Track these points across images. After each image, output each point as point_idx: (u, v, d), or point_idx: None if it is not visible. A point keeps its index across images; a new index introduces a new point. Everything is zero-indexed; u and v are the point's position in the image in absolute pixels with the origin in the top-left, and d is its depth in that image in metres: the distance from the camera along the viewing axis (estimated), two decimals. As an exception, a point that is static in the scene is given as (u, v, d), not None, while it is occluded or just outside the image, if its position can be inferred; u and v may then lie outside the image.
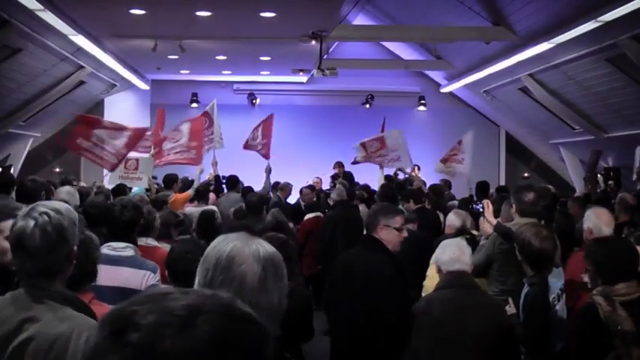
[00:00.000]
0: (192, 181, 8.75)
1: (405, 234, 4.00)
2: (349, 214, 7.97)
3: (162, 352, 0.81)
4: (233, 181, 9.15)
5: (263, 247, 1.70)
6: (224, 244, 1.66)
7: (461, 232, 5.26)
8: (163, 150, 8.97)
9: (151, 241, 4.47)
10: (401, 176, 11.11)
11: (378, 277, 3.84)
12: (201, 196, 8.13)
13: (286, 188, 9.97)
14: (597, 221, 4.29)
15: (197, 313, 0.85)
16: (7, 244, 2.38)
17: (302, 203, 9.61)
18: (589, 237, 4.26)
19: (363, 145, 10.44)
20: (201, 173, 8.79)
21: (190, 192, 8.22)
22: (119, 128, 8.57)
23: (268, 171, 9.64)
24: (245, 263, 1.62)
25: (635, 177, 9.46)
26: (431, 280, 4.90)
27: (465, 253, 3.67)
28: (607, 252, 3.24)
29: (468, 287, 3.64)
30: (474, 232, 5.62)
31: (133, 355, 0.81)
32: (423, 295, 4.93)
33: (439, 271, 3.71)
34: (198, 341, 0.83)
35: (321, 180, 11.97)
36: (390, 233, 3.91)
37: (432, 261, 5.02)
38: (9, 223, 2.46)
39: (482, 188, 9.50)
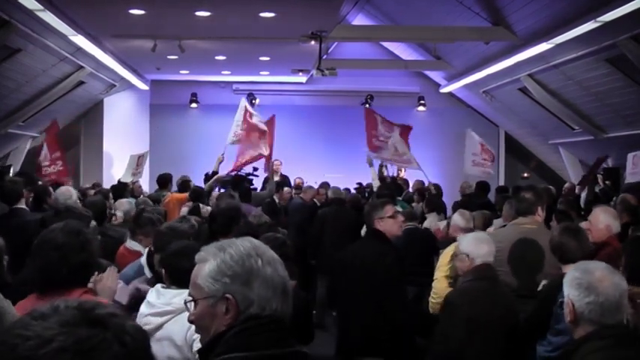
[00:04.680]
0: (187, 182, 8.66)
1: (400, 218, 4.51)
2: (340, 211, 8.14)
3: None
4: (237, 181, 9.00)
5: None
6: (242, 242, 1.76)
7: (466, 232, 5.26)
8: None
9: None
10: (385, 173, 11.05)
11: (379, 265, 4.19)
12: (197, 196, 7.89)
13: (309, 191, 9.95)
14: (614, 220, 4.47)
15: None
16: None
17: (317, 202, 9.65)
18: (603, 236, 4.40)
19: None
20: (221, 163, 8.71)
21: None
22: (42, 143, 8.90)
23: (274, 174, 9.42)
24: (267, 250, 1.77)
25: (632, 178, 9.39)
26: (440, 282, 4.93)
27: (494, 246, 3.98)
28: None
29: (494, 278, 3.95)
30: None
31: None
32: (434, 297, 4.95)
33: (471, 263, 3.88)
34: None
35: (302, 180, 11.95)
36: (386, 223, 4.34)
37: (439, 263, 5.06)
38: None
39: (483, 188, 9.51)
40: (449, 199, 10.41)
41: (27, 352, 0.92)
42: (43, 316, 0.98)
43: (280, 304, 1.69)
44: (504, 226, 5.39)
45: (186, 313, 3.01)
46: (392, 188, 8.85)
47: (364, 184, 11.41)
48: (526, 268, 4.51)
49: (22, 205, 5.31)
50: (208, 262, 1.69)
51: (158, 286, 3.23)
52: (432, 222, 7.43)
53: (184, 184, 8.80)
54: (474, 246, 3.89)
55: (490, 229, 5.67)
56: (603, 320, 2.32)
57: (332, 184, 10.08)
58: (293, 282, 3.91)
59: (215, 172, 8.80)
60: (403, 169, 12.32)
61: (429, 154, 13.37)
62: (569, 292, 2.40)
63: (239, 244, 1.73)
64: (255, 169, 10.37)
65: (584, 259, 3.74)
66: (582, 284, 2.36)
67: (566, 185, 10.32)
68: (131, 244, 4.42)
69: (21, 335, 0.94)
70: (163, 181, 8.91)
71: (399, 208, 7.80)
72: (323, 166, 14.02)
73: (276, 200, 9.30)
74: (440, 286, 4.95)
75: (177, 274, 3.17)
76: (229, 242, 1.74)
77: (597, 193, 9.65)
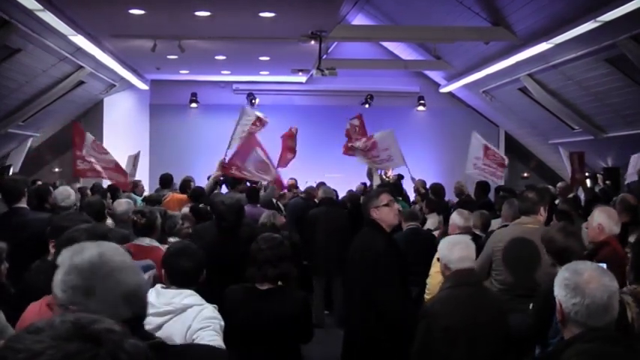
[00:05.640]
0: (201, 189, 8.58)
1: (396, 205, 4.42)
2: (332, 211, 8.16)
3: None
4: (235, 181, 8.93)
5: (112, 244, 1.81)
6: (88, 251, 1.71)
7: (465, 232, 5.27)
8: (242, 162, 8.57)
9: (150, 241, 4.47)
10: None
11: (368, 253, 4.16)
12: (197, 196, 7.87)
13: (312, 192, 9.91)
14: (609, 220, 4.36)
15: None
16: None
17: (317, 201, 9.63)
18: (598, 235, 4.32)
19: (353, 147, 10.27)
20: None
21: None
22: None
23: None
24: (115, 257, 1.71)
25: (632, 178, 9.35)
26: (434, 278, 4.95)
27: (472, 250, 3.71)
28: None
29: (476, 284, 3.71)
30: (477, 232, 5.63)
31: None
32: (427, 293, 4.98)
33: (446, 268, 3.69)
34: None
35: (296, 181, 11.93)
36: (382, 211, 4.29)
37: (435, 259, 5.07)
38: None
39: (483, 188, 9.50)
40: (448, 199, 10.42)
41: None
42: (37, 330, 0.97)
43: (129, 309, 1.66)
44: (505, 225, 5.40)
45: (186, 313, 3.00)
46: (390, 187, 8.84)
47: (368, 184, 11.37)
48: (525, 268, 4.51)
49: (24, 204, 5.29)
50: (60, 269, 1.68)
51: (158, 286, 3.23)
52: (432, 223, 7.42)
53: (185, 185, 8.77)
54: (447, 250, 3.68)
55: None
56: (590, 322, 2.28)
57: (332, 185, 10.05)
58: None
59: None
60: (390, 169, 12.34)
61: (429, 154, 13.38)
62: (558, 292, 2.37)
63: (85, 254, 1.69)
64: None
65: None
66: (569, 285, 2.32)
67: (560, 184, 10.28)
68: (143, 240, 4.44)
69: (13, 348, 0.94)
70: (165, 180, 8.90)
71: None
72: (323, 166, 14.01)
73: (274, 200, 9.28)
74: (433, 282, 4.97)
75: (176, 274, 3.17)
76: (80, 249, 1.72)
77: (597, 193, 9.65)
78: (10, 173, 11.10)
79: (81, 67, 10.71)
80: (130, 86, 13.78)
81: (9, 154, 12.10)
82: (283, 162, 10.10)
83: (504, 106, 13.71)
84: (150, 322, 3.03)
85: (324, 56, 10.39)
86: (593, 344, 2.24)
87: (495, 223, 6.23)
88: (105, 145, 13.59)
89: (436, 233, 6.89)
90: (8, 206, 5.23)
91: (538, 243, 4.43)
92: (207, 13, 8.03)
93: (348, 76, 13.68)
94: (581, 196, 9.89)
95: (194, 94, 15.24)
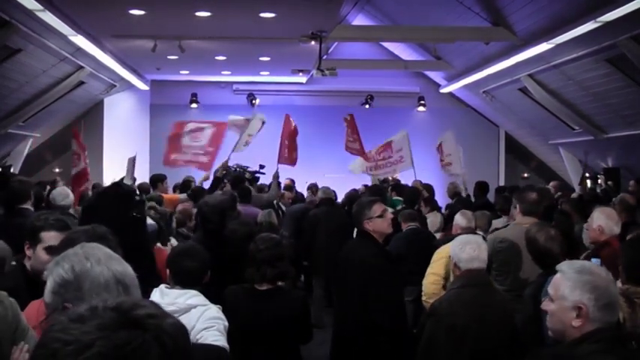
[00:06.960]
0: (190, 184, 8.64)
1: (390, 215, 4.35)
2: (331, 212, 8.20)
3: None
4: (238, 179, 8.91)
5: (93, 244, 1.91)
6: (72, 252, 1.82)
7: (468, 232, 5.26)
8: (182, 145, 8.68)
9: None
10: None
11: (364, 267, 4.14)
12: (196, 196, 7.85)
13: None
14: (608, 220, 4.34)
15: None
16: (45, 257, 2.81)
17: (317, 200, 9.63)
18: (599, 236, 4.32)
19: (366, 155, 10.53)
20: (206, 180, 8.58)
21: (182, 196, 8.02)
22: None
23: (277, 177, 9.10)
24: (97, 250, 1.81)
25: None
26: (428, 279, 4.95)
27: (483, 251, 3.70)
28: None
29: (485, 285, 3.69)
30: (480, 233, 5.63)
31: None
32: (423, 294, 4.98)
33: (456, 267, 3.69)
34: None
35: (292, 181, 11.93)
36: (375, 223, 4.23)
37: (435, 258, 5.07)
38: (51, 234, 2.93)
39: (482, 188, 9.50)
40: (448, 200, 10.41)
41: (67, 358, 0.92)
42: (81, 319, 0.97)
43: (116, 295, 1.68)
44: (507, 225, 5.40)
45: (190, 313, 3.01)
46: (382, 190, 8.90)
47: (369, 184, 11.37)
48: (525, 268, 4.50)
49: (28, 205, 5.31)
50: (48, 279, 1.77)
51: (162, 286, 3.24)
52: (434, 221, 7.40)
53: (185, 184, 8.78)
54: (458, 249, 3.67)
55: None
56: (609, 320, 2.26)
57: (332, 185, 10.05)
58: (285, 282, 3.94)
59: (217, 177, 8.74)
60: (398, 172, 12.35)
61: (429, 155, 13.31)
62: (582, 296, 2.24)
63: (69, 253, 1.80)
64: (262, 166, 10.33)
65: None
66: (599, 287, 2.24)
67: (553, 184, 10.27)
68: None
69: (60, 339, 0.94)
70: (155, 181, 8.92)
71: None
72: (323, 166, 14.02)
73: (274, 201, 9.27)
74: (426, 283, 4.97)
75: (181, 274, 3.18)
76: (63, 255, 1.82)
77: (598, 194, 9.65)
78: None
79: (81, 67, 10.71)
80: (130, 86, 13.78)
81: (9, 154, 12.10)
82: (289, 160, 9.95)
83: (504, 106, 13.71)
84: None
85: (325, 56, 10.39)
86: (600, 345, 2.22)
87: (496, 224, 6.23)
88: (105, 145, 13.68)
89: (438, 235, 6.90)
90: (14, 207, 5.25)
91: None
92: (208, 14, 8.03)
93: (349, 76, 13.68)
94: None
95: (194, 95, 15.24)
